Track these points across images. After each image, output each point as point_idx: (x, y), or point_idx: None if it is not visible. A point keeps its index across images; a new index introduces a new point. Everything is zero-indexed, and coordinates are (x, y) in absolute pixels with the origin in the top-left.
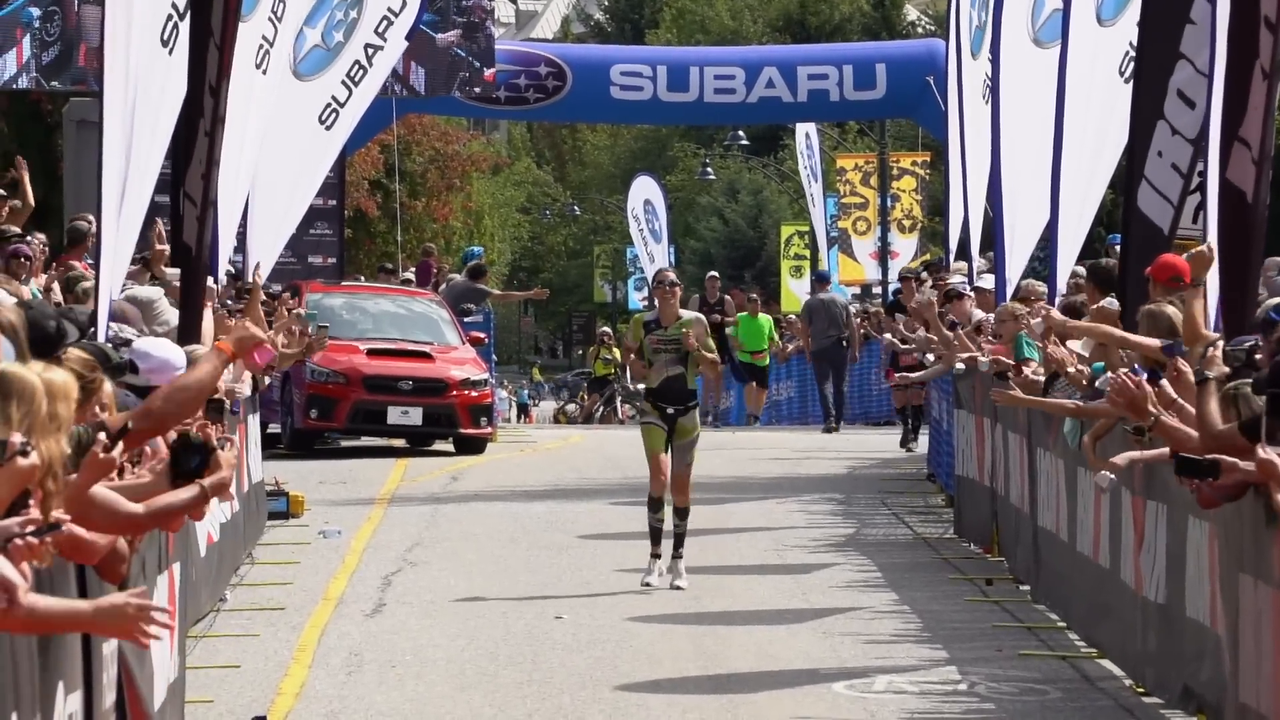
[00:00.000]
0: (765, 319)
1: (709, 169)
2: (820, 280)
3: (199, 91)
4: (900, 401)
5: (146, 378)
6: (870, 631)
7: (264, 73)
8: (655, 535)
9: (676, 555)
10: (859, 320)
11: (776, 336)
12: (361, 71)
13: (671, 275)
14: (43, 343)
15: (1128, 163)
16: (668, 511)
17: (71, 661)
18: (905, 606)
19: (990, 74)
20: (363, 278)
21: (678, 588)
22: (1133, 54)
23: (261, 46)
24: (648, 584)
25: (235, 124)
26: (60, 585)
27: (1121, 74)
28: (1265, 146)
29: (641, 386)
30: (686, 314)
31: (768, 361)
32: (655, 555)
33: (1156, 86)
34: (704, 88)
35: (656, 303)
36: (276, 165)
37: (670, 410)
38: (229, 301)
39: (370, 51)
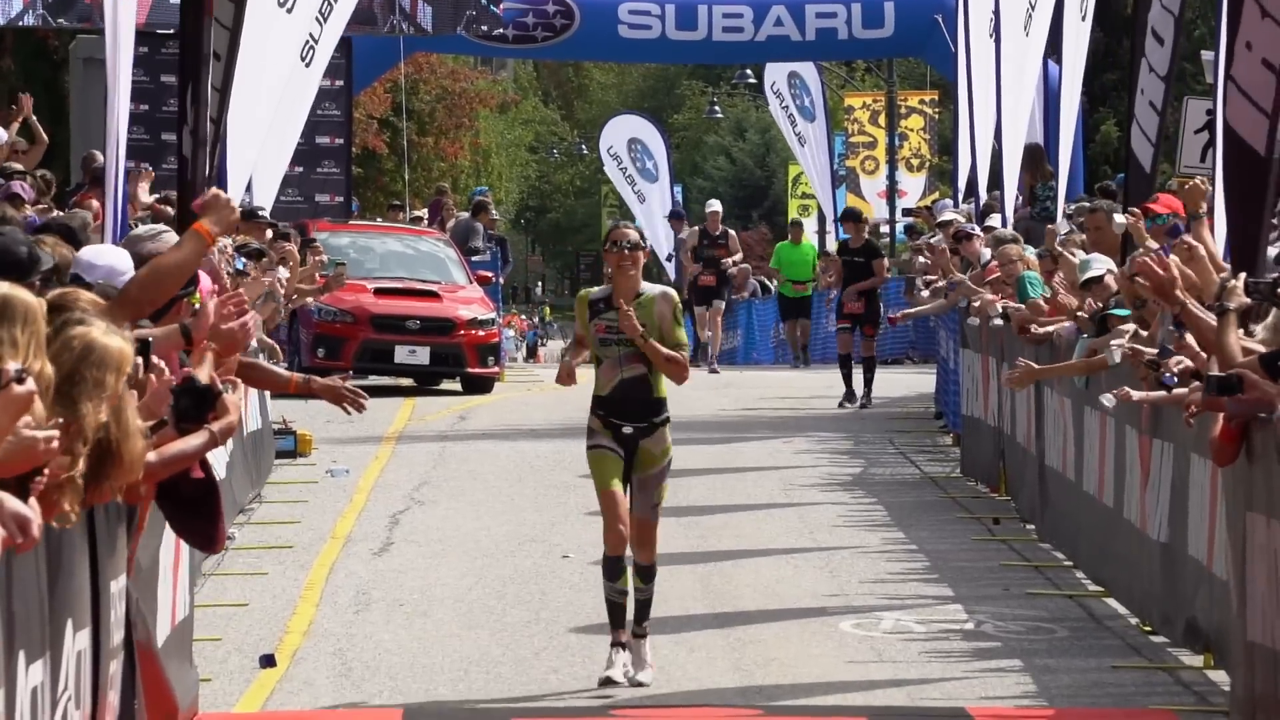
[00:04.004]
0: (809, 245)
1: (716, 108)
2: (676, 218)
3: (200, 21)
4: (845, 348)
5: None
6: (877, 570)
7: (288, 11)
8: (618, 614)
9: (638, 633)
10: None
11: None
12: (329, 7)
13: (631, 234)
14: (13, 269)
15: (1127, 104)
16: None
17: (80, 599)
18: (912, 545)
19: (994, 11)
20: (380, 219)
21: (639, 683)
22: None
23: None
24: (609, 680)
25: (251, 63)
26: (69, 536)
27: (1081, 14)
28: None
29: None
30: (650, 289)
31: (810, 292)
32: (619, 644)
33: (1140, 25)
34: (712, 26)
35: (609, 273)
36: (271, 103)
37: (628, 429)
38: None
39: None
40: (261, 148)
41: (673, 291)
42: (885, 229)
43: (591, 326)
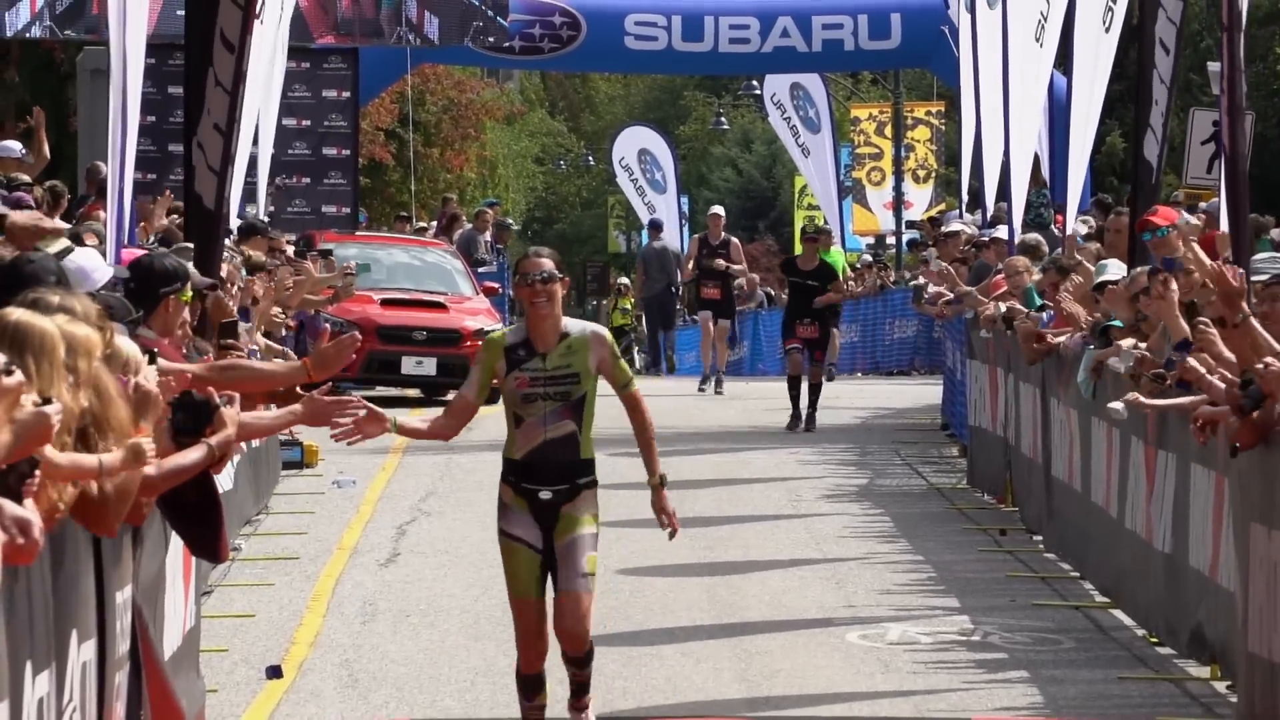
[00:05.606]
0: (838, 253)
1: (723, 119)
2: (654, 228)
3: (207, 41)
4: (796, 369)
5: None
6: (884, 581)
7: (261, 22)
8: None
9: (576, 707)
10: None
11: (849, 273)
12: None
13: (545, 263)
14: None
15: (1135, 114)
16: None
17: (85, 610)
18: (919, 556)
19: (1003, 21)
20: (386, 228)
21: None
22: (1111, 5)
23: None
24: None
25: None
26: (70, 538)
27: (1104, 25)
28: (1235, 99)
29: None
30: (577, 328)
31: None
32: None
33: (1148, 36)
34: (719, 38)
35: (524, 311)
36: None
37: (546, 494)
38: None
39: None
40: (248, 159)
41: (602, 330)
42: (891, 240)
43: (511, 380)
